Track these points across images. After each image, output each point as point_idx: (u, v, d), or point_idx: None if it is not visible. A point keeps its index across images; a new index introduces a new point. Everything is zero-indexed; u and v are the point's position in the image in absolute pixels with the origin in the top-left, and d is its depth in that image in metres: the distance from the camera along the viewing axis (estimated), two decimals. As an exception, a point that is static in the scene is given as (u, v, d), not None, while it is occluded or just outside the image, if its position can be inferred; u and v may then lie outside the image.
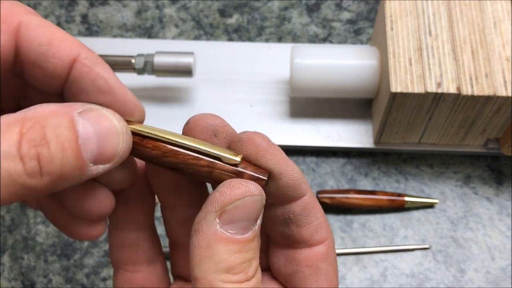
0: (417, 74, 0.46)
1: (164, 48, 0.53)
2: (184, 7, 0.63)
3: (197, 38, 0.61)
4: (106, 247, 0.50)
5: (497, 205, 0.52)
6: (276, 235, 0.29)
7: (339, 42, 0.60)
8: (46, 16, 0.62)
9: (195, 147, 0.26)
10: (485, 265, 0.50)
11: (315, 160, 0.54)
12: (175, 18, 0.62)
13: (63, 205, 0.28)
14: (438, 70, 0.46)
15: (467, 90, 0.45)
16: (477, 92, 0.45)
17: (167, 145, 0.26)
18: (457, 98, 0.45)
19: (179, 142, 0.26)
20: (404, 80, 0.45)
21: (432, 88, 0.45)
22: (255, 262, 0.25)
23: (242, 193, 0.25)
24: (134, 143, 0.26)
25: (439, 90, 0.45)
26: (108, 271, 0.50)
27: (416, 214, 0.52)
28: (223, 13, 0.62)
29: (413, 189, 0.53)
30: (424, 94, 0.45)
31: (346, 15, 0.62)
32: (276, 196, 0.27)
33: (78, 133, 0.23)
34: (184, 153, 0.26)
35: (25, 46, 0.25)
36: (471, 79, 0.45)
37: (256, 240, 0.25)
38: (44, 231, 0.51)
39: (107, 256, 0.50)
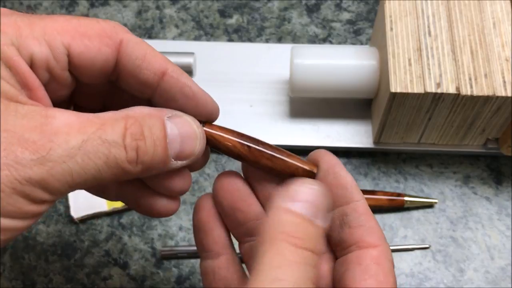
0: (416, 74, 0.46)
1: (165, 49, 0.53)
2: (184, 7, 0.63)
3: (197, 38, 0.61)
4: (106, 247, 0.51)
5: (497, 205, 0.52)
6: (335, 243, 0.33)
7: (339, 43, 0.61)
8: (46, 17, 0.62)
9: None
10: (485, 264, 0.50)
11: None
12: (175, 18, 0.62)
13: (143, 189, 0.34)
14: (438, 70, 0.46)
15: (466, 90, 0.45)
16: (476, 92, 0.45)
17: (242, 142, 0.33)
18: (457, 98, 0.45)
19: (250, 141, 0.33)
20: (403, 80, 0.45)
21: (431, 88, 0.45)
22: (310, 244, 0.27)
23: (302, 181, 0.29)
24: (213, 138, 0.33)
25: (439, 90, 0.45)
26: (108, 271, 0.50)
27: (415, 214, 0.52)
28: (223, 13, 0.62)
29: (412, 189, 0.53)
30: (424, 94, 0.45)
31: (345, 16, 0.62)
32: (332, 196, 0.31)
33: (167, 134, 0.30)
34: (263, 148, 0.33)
35: (124, 59, 0.31)
36: (470, 79, 0.45)
37: (316, 234, 0.28)
38: (44, 231, 0.51)
39: (107, 256, 0.50)
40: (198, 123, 0.32)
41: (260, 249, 0.27)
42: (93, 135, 0.27)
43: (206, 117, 0.33)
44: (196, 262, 0.50)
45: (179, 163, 0.31)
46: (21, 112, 0.27)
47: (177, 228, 0.51)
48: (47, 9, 0.62)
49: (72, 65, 0.30)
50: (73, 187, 0.27)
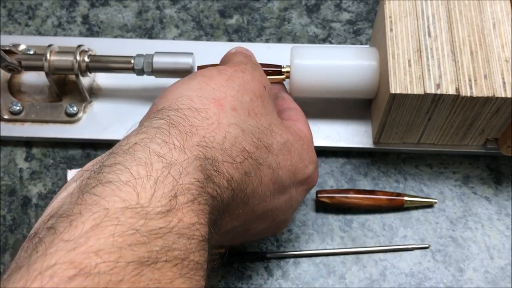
0: (416, 75, 0.46)
1: (165, 49, 0.53)
2: (185, 7, 0.63)
3: (197, 38, 0.61)
4: (107, 246, 0.51)
5: (496, 205, 0.52)
6: None
7: (339, 43, 0.61)
8: (47, 17, 0.62)
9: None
10: (484, 264, 0.50)
11: (315, 160, 0.54)
12: (175, 18, 0.62)
13: None
14: (437, 71, 0.46)
15: (466, 92, 0.45)
16: (476, 93, 0.45)
17: None
18: (456, 99, 0.45)
19: None
20: (403, 81, 0.45)
21: (431, 89, 0.45)
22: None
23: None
24: None
25: (438, 91, 0.45)
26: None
27: (415, 213, 0.52)
28: (223, 13, 0.62)
29: (412, 189, 0.53)
30: (423, 95, 0.45)
31: (345, 16, 0.62)
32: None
33: None
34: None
35: None
36: (470, 80, 0.45)
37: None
38: (45, 231, 0.51)
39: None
40: None
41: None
42: None
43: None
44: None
45: None
46: None
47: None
48: (47, 9, 0.63)
49: None
50: None
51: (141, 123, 0.36)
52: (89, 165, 0.34)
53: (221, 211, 0.34)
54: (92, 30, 0.62)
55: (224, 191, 0.34)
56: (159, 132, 0.32)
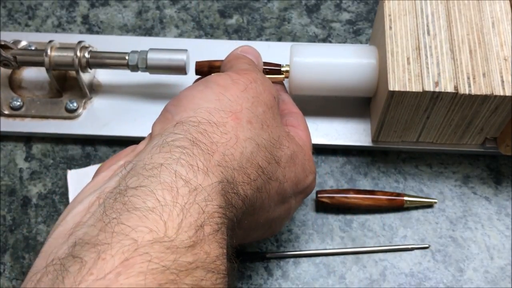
0: (415, 73, 0.46)
1: (166, 47, 0.53)
2: (185, 7, 0.63)
3: (197, 38, 0.61)
4: (106, 246, 0.51)
5: (496, 205, 0.52)
6: None
7: (339, 43, 0.61)
8: (47, 17, 0.62)
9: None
10: (484, 264, 0.50)
11: (314, 160, 0.54)
12: (175, 18, 0.62)
13: None
14: (436, 69, 0.46)
15: (464, 90, 0.45)
16: (474, 91, 0.45)
17: None
18: (455, 97, 0.45)
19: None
20: (402, 79, 0.45)
21: (430, 87, 0.45)
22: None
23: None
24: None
25: (437, 89, 0.45)
26: (108, 270, 0.50)
27: (415, 213, 0.52)
28: (223, 13, 0.63)
29: (412, 189, 0.53)
30: (422, 93, 0.45)
31: (345, 16, 0.62)
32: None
33: None
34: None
35: None
36: (468, 78, 0.45)
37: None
38: (45, 231, 0.51)
39: (107, 255, 0.50)
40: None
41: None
42: None
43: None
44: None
45: None
46: None
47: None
48: (47, 9, 0.63)
49: None
50: None
51: (157, 133, 0.36)
52: (106, 174, 0.36)
53: (233, 228, 0.35)
54: (92, 30, 0.62)
55: (239, 210, 0.34)
56: (184, 153, 0.32)
